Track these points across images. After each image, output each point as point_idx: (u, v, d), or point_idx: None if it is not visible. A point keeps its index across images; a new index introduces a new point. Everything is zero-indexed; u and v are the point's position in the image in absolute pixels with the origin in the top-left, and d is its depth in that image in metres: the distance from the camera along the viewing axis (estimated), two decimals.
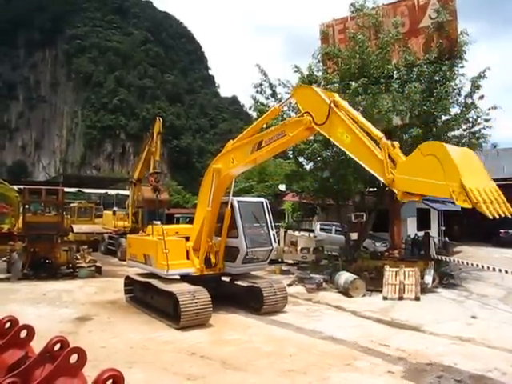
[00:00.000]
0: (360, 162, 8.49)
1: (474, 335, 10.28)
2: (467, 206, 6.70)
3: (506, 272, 15.78)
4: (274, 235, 13.03)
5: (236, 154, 11.15)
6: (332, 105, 8.70)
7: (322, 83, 18.19)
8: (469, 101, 17.44)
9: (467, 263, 17.88)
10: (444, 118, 17.58)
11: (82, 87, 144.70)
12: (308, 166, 21.83)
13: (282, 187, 35.16)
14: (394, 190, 7.84)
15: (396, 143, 7.90)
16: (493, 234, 31.46)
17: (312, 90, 9.50)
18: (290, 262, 22.76)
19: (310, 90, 9.67)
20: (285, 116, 17.50)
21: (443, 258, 18.71)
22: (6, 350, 2.57)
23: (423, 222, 25.78)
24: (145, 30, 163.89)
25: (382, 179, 8.13)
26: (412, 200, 8.20)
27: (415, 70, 17.65)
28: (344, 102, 8.97)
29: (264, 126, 11.96)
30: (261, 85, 19.60)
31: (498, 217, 6.90)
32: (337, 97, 8.97)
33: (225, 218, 12.08)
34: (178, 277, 11.97)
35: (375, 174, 8.22)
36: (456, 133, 18.04)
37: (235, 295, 13.09)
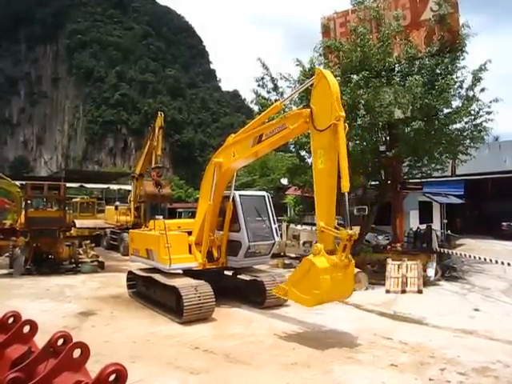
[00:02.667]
0: (314, 191, 9.11)
1: (476, 328, 10.28)
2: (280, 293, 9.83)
3: (509, 264, 15.75)
4: (276, 229, 13.03)
5: (237, 147, 11.14)
6: (332, 126, 8.60)
7: None
8: (470, 93, 17.37)
9: (469, 256, 17.87)
10: (446, 110, 17.52)
11: (84, 82, 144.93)
12: (310, 160, 21.80)
13: (284, 181, 35.17)
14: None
15: (355, 235, 8.55)
16: (495, 226, 31.44)
17: (330, 94, 8.71)
18: (293, 255, 22.76)
19: (328, 91, 8.78)
20: (286, 109, 17.46)
21: (445, 250, 18.69)
22: (9, 345, 2.58)
23: (425, 215, 25.75)
24: (145, 24, 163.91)
25: (316, 218, 9.14)
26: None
27: (417, 62, 17.58)
28: (344, 129, 8.74)
29: (266, 120, 11.94)
30: (262, 78, 19.53)
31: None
32: (342, 120, 8.64)
33: (227, 212, 12.09)
34: (181, 271, 11.99)
35: (316, 209, 9.08)
36: (458, 126, 17.98)
37: (238, 289, 13.10)
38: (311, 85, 9.62)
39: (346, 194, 8.52)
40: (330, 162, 8.66)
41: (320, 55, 19.13)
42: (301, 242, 22.74)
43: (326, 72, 9.30)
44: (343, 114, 8.81)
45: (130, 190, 31.43)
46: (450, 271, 17.20)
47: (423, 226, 20.71)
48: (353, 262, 8.83)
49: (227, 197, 12.24)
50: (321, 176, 8.89)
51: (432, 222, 24.89)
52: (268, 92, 19.65)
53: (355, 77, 17.33)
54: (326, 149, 8.73)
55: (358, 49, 16.98)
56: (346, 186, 8.40)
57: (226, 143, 11.66)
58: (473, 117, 17.54)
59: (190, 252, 12.06)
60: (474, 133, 17.72)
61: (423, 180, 22.18)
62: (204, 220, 11.88)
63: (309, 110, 9.14)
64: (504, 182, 30.67)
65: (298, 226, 26.79)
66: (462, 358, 8.15)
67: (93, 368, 2.28)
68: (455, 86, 17.27)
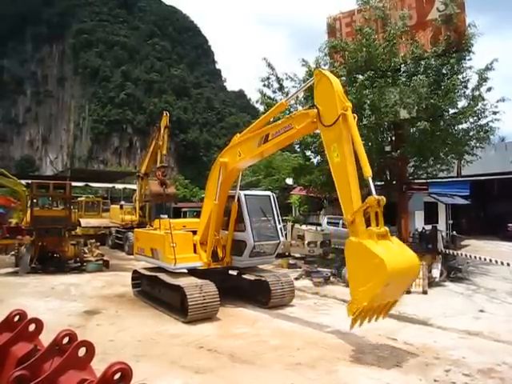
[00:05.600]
0: (336, 186, 8.73)
1: (481, 329, 10.25)
2: (347, 313, 7.91)
3: None
4: (281, 229, 13.03)
5: (243, 147, 11.13)
6: (341, 117, 8.55)
7: None
8: (476, 93, 17.31)
9: (475, 257, 17.81)
10: (451, 111, 17.49)
11: (89, 82, 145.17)
12: (315, 160, 21.80)
13: (289, 181, 35.17)
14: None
15: (382, 200, 8.06)
16: (501, 227, 31.34)
17: (331, 88, 8.83)
18: (297, 255, 22.76)
19: (329, 86, 8.90)
20: (291, 109, 17.46)
21: (451, 251, 18.64)
22: (15, 343, 2.59)
23: (431, 215, 25.71)
24: (151, 24, 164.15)
25: (343, 214, 8.52)
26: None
27: (422, 63, 17.54)
28: (354, 118, 8.68)
29: (271, 119, 11.93)
30: (268, 78, 19.56)
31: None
32: (349, 110, 8.65)
33: (232, 212, 12.09)
34: (186, 271, 12.00)
35: (341, 205, 8.58)
36: (464, 126, 17.94)
37: (242, 289, 13.10)
38: (313, 84, 9.67)
39: (370, 179, 8.23)
40: (345, 153, 8.47)
41: (325, 55, 19.11)
42: (306, 241, 22.73)
43: (325, 71, 9.45)
44: (349, 104, 8.84)
45: (135, 190, 31.49)
46: (455, 272, 17.13)
47: (428, 227, 20.65)
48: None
49: (232, 196, 12.25)
50: (340, 168, 8.62)
51: (437, 223, 24.82)
52: (273, 92, 19.69)
53: (361, 77, 17.34)
54: (339, 141, 8.58)
55: (364, 49, 16.98)
56: (367, 171, 8.23)
57: (232, 143, 11.66)
58: (478, 117, 17.49)
59: (195, 251, 12.06)
60: (480, 133, 17.66)
61: (429, 180, 22.11)
62: (209, 219, 11.88)
63: (315, 110, 9.12)
64: (510, 183, 30.54)
65: (303, 226, 26.76)
66: (467, 360, 8.13)
67: (98, 366, 2.28)
68: (461, 86, 17.22)
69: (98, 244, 21.49)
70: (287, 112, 16.23)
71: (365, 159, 8.37)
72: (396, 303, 8.56)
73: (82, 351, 2.29)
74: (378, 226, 8.05)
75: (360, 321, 7.91)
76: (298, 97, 18.09)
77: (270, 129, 10.41)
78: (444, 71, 17.09)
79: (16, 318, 2.77)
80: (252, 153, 10.91)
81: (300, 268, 19.18)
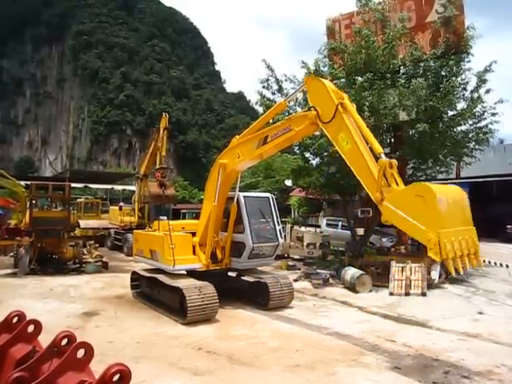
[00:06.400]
0: (354, 173, 8.53)
1: (481, 331, 10.24)
2: (436, 258, 7.10)
3: None
4: (280, 230, 13.00)
5: (242, 149, 11.13)
6: (339, 107, 8.58)
7: (329, 78, 18.16)
8: (475, 95, 17.36)
9: None
10: (450, 113, 17.53)
11: (89, 83, 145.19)
12: (314, 162, 21.82)
13: (289, 182, 35.20)
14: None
15: (394, 162, 7.88)
16: (500, 229, 31.29)
17: (323, 86, 9.10)
18: (296, 257, 22.77)
19: (321, 85, 9.21)
20: (291, 111, 17.47)
21: None
22: (13, 345, 2.58)
23: None
24: (151, 25, 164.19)
25: (371, 196, 8.18)
26: None
27: (422, 65, 17.59)
28: (352, 106, 8.79)
29: (270, 121, 11.94)
30: (267, 80, 19.58)
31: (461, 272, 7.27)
32: (346, 99, 8.77)
33: (231, 214, 12.06)
34: (185, 272, 11.98)
35: (366, 189, 8.33)
36: (463, 128, 17.96)
37: (241, 290, 13.09)
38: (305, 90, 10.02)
39: (383, 155, 8.04)
40: (354, 137, 8.41)
41: (325, 57, 19.16)
42: (305, 243, 22.74)
43: (314, 77, 10.25)
44: (345, 94, 9.05)
45: (134, 191, 31.47)
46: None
47: None
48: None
49: (231, 198, 12.23)
50: (353, 153, 8.48)
51: None
52: (273, 93, 19.72)
53: (360, 79, 17.36)
54: (345, 128, 8.55)
55: (363, 51, 17.01)
56: (377, 148, 8.14)
57: (231, 144, 11.66)
58: (477, 119, 17.53)
59: (194, 253, 12.06)
60: (479, 135, 17.70)
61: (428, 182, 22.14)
62: (208, 221, 11.87)
63: (314, 112, 9.13)
64: (509, 185, 30.52)
65: (302, 228, 26.80)
66: (466, 362, 8.12)
67: (97, 368, 2.28)
68: (460, 88, 17.26)
69: (97, 245, 21.45)
70: (286, 113, 16.27)
71: (372, 138, 8.38)
72: (475, 239, 7.71)
73: (80, 352, 2.28)
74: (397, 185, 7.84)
75: (453, 262, 7.12)
76: (297, 98, 18.11)
77: (268, 130, 10.43)
78: (443, 73, 17.14)
79: (15, 320, 2.76)
80: (251, 154, 10.91)
81: (299, 270, 19.16)
